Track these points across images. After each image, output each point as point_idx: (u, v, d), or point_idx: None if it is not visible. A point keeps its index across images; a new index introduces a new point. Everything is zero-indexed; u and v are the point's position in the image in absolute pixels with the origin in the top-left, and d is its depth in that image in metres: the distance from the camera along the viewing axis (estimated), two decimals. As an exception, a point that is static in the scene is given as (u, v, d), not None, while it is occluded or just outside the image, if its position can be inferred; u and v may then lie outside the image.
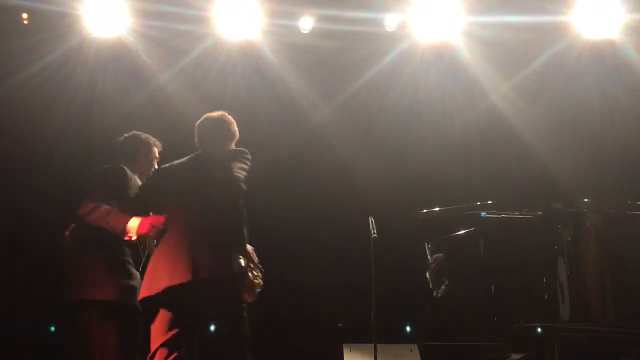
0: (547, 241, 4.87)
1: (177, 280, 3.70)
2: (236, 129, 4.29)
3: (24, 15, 6.61)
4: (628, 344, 4.96)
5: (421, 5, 6.64)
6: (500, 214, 5.16)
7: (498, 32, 6.68)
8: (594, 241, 4.86)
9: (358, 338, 6.09)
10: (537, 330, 5.07)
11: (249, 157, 4.11)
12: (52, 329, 7.17)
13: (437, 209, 5.61)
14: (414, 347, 6.03)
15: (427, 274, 5.42)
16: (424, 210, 5.64)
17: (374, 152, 7.40)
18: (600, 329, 4.87)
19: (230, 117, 4.29)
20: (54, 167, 7.04)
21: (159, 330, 3.78)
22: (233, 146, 4.23)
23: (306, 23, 6.72)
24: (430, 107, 7.34)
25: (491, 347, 5.64)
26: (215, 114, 4.28)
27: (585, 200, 5.12)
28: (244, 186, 3.96)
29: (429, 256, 5.43)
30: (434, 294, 5.36)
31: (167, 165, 4.14)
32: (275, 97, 7.28)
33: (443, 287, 5.32)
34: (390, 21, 6.73)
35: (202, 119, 4.26)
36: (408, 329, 7.39)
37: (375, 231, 5.02)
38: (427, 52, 6.99)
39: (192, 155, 4.13)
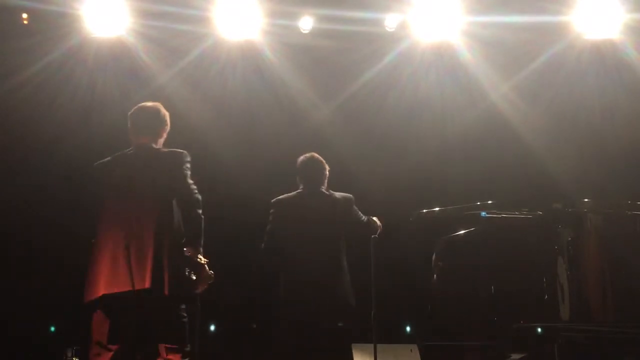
0: (547, 241, 4.87)
1: (115, 289, 3.67)
2: (168, 120, 4.21)
3: (24, 15, 6.61)
4: (628, 344, 4.96)
5: (421, 5, 6.64)
6: (500, 214, 5.16)
7: (498, 32, 6.68)
8: (594, 241, 4.86)
9: (358, 338, 6.09)
10: (537, 330, 5.07)
11: (189, 159, 4.06)
12: (52, 329, 7.17)
13: (437, 209, 5.60)
14: (414, 347, 6.02)
15: (427, 274, 5.42)
16: (424, 210, 5.64)
17: (374, 152, 7.40)
18: (600, 329, 4.87)
19: (164, 109, 4.22)
20: (54, 166, 7.04)
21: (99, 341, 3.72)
22: (164, 136, 4.18)
23: (306, 23, 6.73)
24: (430, 107, 7.33)
25: (491, 347, 5.64)
26: (149, 103, 4.19)
27: (585, 200, 5.12)
28: (198, 196, 4.08)
29: (429, 256, 5.43)
30: (434, 293, 5.36)
31: (107, 159, 4.01)
32: (275, 97, 7.28)
33: (443, 287, 5.32)
34: (390, 21, 6.73)
35: (135, 108, 4.15)
36: (408, 329, 7.38)
37: (375, 231, 5.01)
38: (427, 52, 6.99)
39: (131, 150, 4.02)
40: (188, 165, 4.01)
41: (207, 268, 3.98)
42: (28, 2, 6.54)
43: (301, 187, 4.70)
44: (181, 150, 4.05)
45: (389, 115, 7.33)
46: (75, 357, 6.25)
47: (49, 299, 6.80)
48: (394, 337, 6.76)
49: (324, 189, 4.71)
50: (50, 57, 6.75)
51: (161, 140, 4.16)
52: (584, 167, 7.09)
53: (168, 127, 4.20)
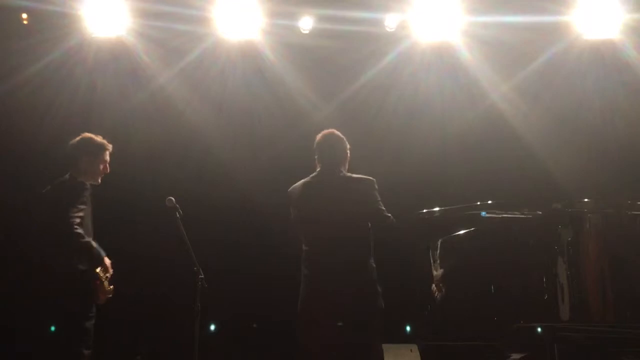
0: (547, 241, 4.86)
1: None
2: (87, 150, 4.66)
3: (24, 15, 6.61)
4: (628, 344, 4.96)
5: (421, 5, 6.65)
6: (500, 214, 5.15)
7: (498, 32, 6.69)
8: (593, 241, 4.85)
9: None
10: (537, 330, 5.06)
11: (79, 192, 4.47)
12: (52, 329, 7.16)
13: (437, 209, 5.60)
14: (414, 347, 6.02)
15: (427, 274, 5.42)
16: (424, 210, 5.63)
17: (374, 152, 7.39)
18: (600, 329, 4.86)
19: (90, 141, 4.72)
20: (54, 167, 7.02)
21: None
22: (81, 167, 4.63)
23: (306, 23, 6.73)
24: (430, 107, 7.33)
25: (491, 347, 5.64)
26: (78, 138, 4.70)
27: (585, 200, 5.11)
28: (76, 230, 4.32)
29: (429, 256, 5.42)
30: (434, 293, 5.36)
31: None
32: (275, 97, 7.28)
33: (443, 287, 5.31)
34: (390, 21, 6.74)
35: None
36: (408, 329, 7.38)
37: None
38: (427, 52, 7.00)
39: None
40: (74, 200, 4.38)
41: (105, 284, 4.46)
42: (28, 2, 6.54)
43: (318, 168, 4.29)
44: (74, 184, 4.51)
45: (389, 115, 7.32)
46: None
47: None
48: (394, 337, 6.75)
49: (343, 170, 4.27)
50: (50, 57, 6.75)
51: (77, 170, 4.62)
52: (584, 167, 7.08)
53: (82, 160, 4.65)
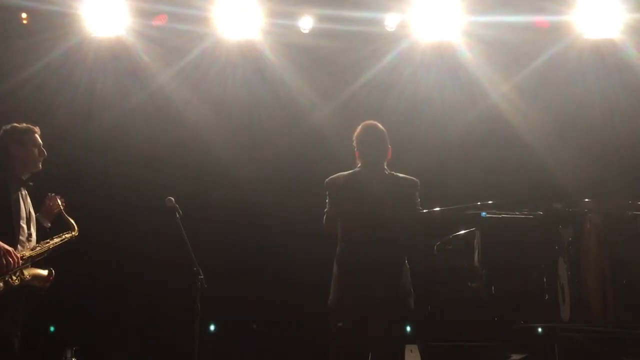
0: (548, 241, 4.85)
1: None
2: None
3: (24, 15, 6.62)
4: (628, 344, 4.95)
5: (421, 5, 6.65)
6: (500, 214, 5.14)
7: (498, 32, 6.69)
8: (594, 241, 4.84)
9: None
10: (537, 330, 5.06)
11: None
12: (52, 329, 7.17)
13: (437, 209, 5.60)
14: (414, 347, 6.01)
15: (427, 274, 5.41)
16: (424, 210, 5.63)
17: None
18: (601, 329, 4.86)
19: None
20: (53, 167, 7.02)
21: None
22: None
23: (306, 23, 6.73)
24: (431, 107, 7.33)
25: (491, 347, 5.64)
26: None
27: (586, 200, 5.11)
28: None
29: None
30: (434, 294, 5.35)
31: None
32: (275, 97, 7.28)
33: (443, 287, 5.31)
34: (390, 21, 6.74)
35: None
36: (408, 329, 7.37)
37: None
38: (427, 52, 7.00)
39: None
40: None
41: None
42: (28, 2, 6.55)
43: (359, 165, 4.15)
44: None
45: (389, 115, 7.30)
46: (75, 357, 6.25)
47: (48, 299, 6.79)
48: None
49: (386, 166, 4.19)
50: (50, 57, 6.76)
51: (9, 161, 4.42)
52: (585, 167, 7.08)
53: (10, 150, 4.45)
